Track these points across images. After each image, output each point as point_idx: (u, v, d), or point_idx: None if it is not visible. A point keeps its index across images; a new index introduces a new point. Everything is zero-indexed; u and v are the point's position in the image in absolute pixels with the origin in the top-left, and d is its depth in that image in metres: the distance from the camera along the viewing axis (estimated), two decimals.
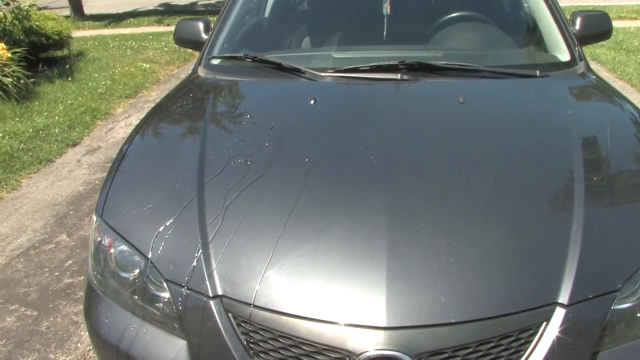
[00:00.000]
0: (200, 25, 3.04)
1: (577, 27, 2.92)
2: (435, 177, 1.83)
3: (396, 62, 2.41)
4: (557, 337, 1.47)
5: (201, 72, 2.72)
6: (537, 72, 2.44)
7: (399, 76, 2.38)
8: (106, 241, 1.84)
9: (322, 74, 2.44)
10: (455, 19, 2.95)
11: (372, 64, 2.41)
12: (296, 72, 2.48)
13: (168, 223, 1.74)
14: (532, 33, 2.98)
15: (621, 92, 6.13)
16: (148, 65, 7.74)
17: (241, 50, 2.79)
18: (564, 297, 1.50)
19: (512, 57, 2.74)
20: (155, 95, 6.68)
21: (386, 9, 2.85)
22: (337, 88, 2.42)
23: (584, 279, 1.53)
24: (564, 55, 2.64)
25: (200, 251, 1.64)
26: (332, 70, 2.45)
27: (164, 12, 12.98)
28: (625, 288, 1.57)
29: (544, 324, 1.48)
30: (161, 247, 1.70)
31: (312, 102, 2.25)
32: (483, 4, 3.13)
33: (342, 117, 2.22)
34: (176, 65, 8.07)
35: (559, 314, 1.49)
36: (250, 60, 2.61)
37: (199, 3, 14.82)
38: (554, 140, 2.05)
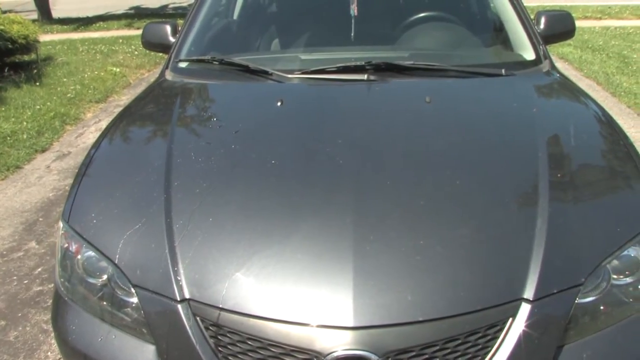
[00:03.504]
0: (168, 28, 3.02)
1: (542, 26, 2.96)
2: (402, 176, 1.85)
3: (363, 63, 2.42)
4: (523, 332, 1.49)
5: (168, 75, 2.70)
6: (503, 71, 2.47)
7: (365, 77, 2.40)
8: (73, 247, 1.82)
9: (289, 75, 2.45)
10: (422, 19, 2.98)
11: (339, 65, 2.43)
12: (263, 74, 2.48)
13: (135, 228, 1.73)
14: (498, 32, 3.03)
15: (587, 89, 6.24)
16: (118, 69, 7.66)
17: (209, 53, 2.78)
18: (529, 292, 1.52)
19: (478, 57, 2.78)
20: (126, 99, 6.61)
21: (354, 10, 2.87)
22: (304, 89, 2.44)
23: (548, 274, 1.56)
24: (529, 54, 2.68)
25: (167, 255, 1.63)
26: (299, 72, 2.46)
27: (135, 16, 12.86)
28: (589, 282, 1.60)
29: (510, 319, 1.50)
30: (128, 252, 1.69)
31: (278, 103, 2.26)
32: (450, 4, 3.17)
33: (309, 118, 2.22)
34: (147, 68, 8.01)
35: (524, 310, 1.51)
36: (217, 63, 2.61)
37: (170, 6, 14.73)
38: (519, 137, 2.08)
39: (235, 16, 3.35)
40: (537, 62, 2.64)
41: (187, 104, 2.43)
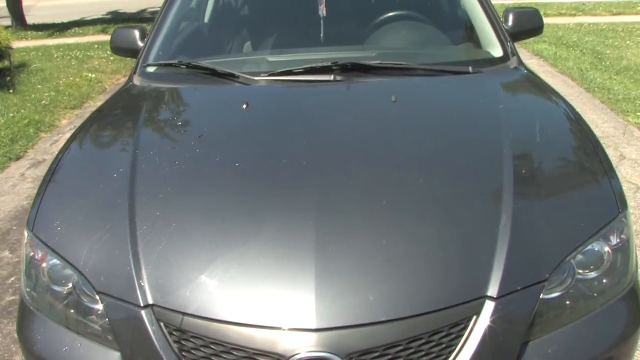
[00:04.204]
0: (136, 33, 2.99)
1: (510, 23, 2.97)
2: (365, 176, 1.85)
3: (329, 63, 2.42)
4: (488, 329, 1.49)
5: (136, 80, 2.69)
6: (470, 68, 2.49)
7: (332, 77, 2.40)
8: (38, 256, 1.81)
9: (256, 78, 2.44)
10: (391, 18, 2.99)
11: (305, 66, 2.42)
12: (230, 77, 2.48)
13: (99, 234, 1.72)
14: (465, 30, 3.05)
15: (562, 85, 6.29)
16: (94, 75, 7.60)
17: (177, 57, 2.77)
18: (492, 290, 1.53)
19: (446, 54, 2.80)
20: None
21: (322, 10, 2.87)
22: (270, 91, 2.43)
23: (512, 271, 1.56)
24: (497, 51, 2.70)
25: (131, 261, 1.62)
26: (265, 74, 2.45)
27: (111, 21, 12.74)
28: (553, 278, 1.61)
29: (474, 317, 1.51)
30: (93, 259, 1.68)
31: (244, 106, 2.25)
32: (418, 3, 3.19)
33: (274, 120, 2.22)
34: (122, 74, 7.94)
35: (488, 307, 1.51)
36: (184, 66, 2.59)
37: (148, 10, 14.62)
38: (484, 135, 2.09)
39: (204, 19, 3.34)
40: (504, 59, 2.65)
41: (153, 109, 2.42)
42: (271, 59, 2.70)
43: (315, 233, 1.61)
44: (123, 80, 7.69)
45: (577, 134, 2.18)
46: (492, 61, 2.64)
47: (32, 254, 1.84)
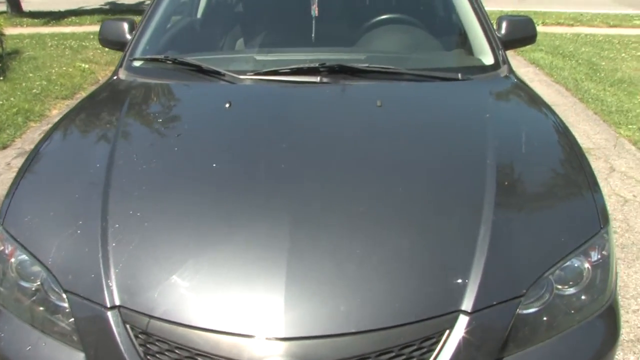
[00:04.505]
0: (125, 25, 2.95)
1: (503, 31, 2.94)
2: (344, 182, 1.81)
3: (316, 65, 2.39)
4: (460, 344, 1.46)
5: (122, 74, 2.65)
6: (459, 75, 2.45)
7: (318, 79, 2.36)
8: (7, 250, 1.76)
9: (241, 76, 2.40)
10: (383, 21, 2.96)
11: (292, 67, 2.39)
12: (216, 74, 2.43)
13: (70, 231, 1.68)
14: (457, 36, 3.02)
15: (556, 95, 6.26)
16: (87, 66, 7.53)
17: (164, 52, 2.73)
18: (467, 304, 1.49)
19: (435, 60, 2.76)
20: None
21: (314, 10, 2.83)
22: (255, 91, 2.39)
23: (488, 286, 1.53)
24: (488, 59, 2.67)
25: (100, 260, 1.58)
26: (251, 73, 2.41)
27: (109, 11, 12.66)
28: (531, 293, 1.58)
29: (447, 331, 1.47)
30: (62, 256, 1.64)
31: (227, 105, 2.21)
32: (410, 6, 3.16)
33: (256, 121, 2.18)
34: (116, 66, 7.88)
35: (462, 322, 1.48)
36: (170, 62, 2.55)
37: (146, 2, 14.54)
38: (469, 144, 2.06)
39: (196, 15, 3.30)
40: (495, 66, 2.62)
41: (135, 104, 2.38)
42: (259, 57, 2.66)
43: (289, 240, 1.57)
44: None
45: (564, 146, 2.15)
46: (483, 69, 2.61)
47: (1, 248, 1.80)
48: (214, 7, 3.45)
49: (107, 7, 13.65)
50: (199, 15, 3.40)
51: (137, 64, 2.68)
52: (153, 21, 2.89)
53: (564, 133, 2.22)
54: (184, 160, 1.94)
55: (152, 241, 1.62)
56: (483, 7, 2.96)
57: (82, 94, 6.61)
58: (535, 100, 2.49)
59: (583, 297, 1.67)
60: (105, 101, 2.49)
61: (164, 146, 2.02)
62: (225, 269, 1.52)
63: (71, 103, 6.28)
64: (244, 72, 2.42)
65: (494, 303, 1.52)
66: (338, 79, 2.38)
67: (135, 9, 13.39)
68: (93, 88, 6.85)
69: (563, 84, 6.82)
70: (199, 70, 2.46)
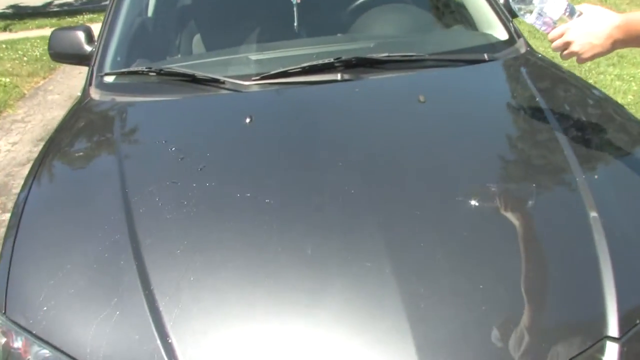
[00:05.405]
0: (81, 35, 2.48)
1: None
2: (433, 205, 1.51)
3: (331, 60, 2.06)
4: None
5: (94, 93, 2.21)
6: (485, 56, 2.19)
7: (339, 76, 2.03)
8: (18, 344, 1.37)
9: (247, 82, 2.03)
10: (376, 2, 2.65)
11: (303, 65, 2.04)
12: (214, 83, 2.06)
13: (106, 312, 1.31)
14: (461, 12, 2.73)
15: None
16: (8, 79, 6.81)
17: (139, 62, 2.32)
18: (612, 329, 1.26)
19: (451, 41, 2.48)
20: (22, 112, 5.88)
21: None
22: (272, 99, 2.03)
23: (625, 303, 1.30)
24: (502, 34, 2.41)
25: (159, 345, 1.23)
26: (257, 77, 2.05)
27: (14, 16, 11.63)
28: None
29: None
30: (104, 348, 1.27)
31: (247, 120, 1.85)
32: None
33: (291, 138, 1.82)
34: (41, 76, 7.19)
35: (611, 349, 1.24)
36: (154, 73, 2.14)
37: (55, 3, 13.50)
38: (539, 136, 1.80)
39: (168, 14, 2.86)
40: (511, 41, 2.38)
41: (129, 133, 1.96)
42: (255, 57, 2.27)
43: (399, 292, 1.26)
44: (43, 82, 7.00)
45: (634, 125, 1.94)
46: (501, 45, 2.35)
47: (6, 341, 1.40)
48: (182, 3, 3.01)
49: (9, 11, 12.55)
50: (172, 14, 2.94)
51: (109, 79, 2.26)
52: (117, 26, 2.45)
53: (620, 109, 2.02)
54: (225, 198, 1.57)
55: (213, 311, 1.27)
56: None
57: (10, 112, 5.97)
58: (566, 74, 2.26)
59: None
60: (87, 130, 2.05)
61: (188, 184, 1.61)
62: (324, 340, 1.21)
63: (0, 124, 5.65)
64: (247, 77, 2.05)
65: (638, 322, 1.29)
66: (357, 74, 2.06)
67: (43, 12, 12.40)
68: (20, 103, 6.25)
69: None
70: (192, 80, 2.08)
